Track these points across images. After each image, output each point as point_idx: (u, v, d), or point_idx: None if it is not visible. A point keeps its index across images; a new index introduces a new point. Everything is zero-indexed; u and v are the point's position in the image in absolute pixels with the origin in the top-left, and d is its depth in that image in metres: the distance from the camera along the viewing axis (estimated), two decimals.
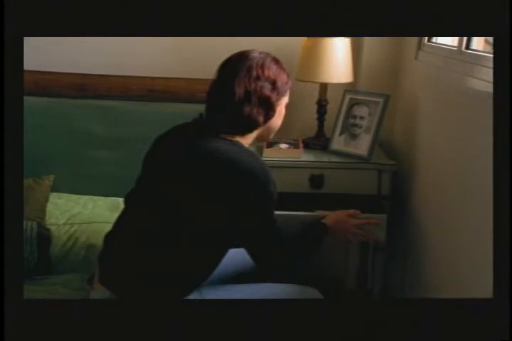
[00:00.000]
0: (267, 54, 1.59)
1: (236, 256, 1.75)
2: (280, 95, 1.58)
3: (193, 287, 1.58)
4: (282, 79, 1.58)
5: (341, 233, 1.76)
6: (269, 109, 1.56)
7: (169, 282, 1.53)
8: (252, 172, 1.48)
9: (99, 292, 1.56)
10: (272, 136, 1.69)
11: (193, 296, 1.56)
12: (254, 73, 1.53)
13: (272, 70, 1.56)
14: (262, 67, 1.54)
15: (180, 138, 1.60)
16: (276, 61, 1.59)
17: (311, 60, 2.30)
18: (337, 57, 2.28)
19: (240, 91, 1.51)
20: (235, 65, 1.54)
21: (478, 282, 1.55)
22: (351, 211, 1.80)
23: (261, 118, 1.55)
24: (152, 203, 1.55)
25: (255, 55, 1.56)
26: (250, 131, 1.58)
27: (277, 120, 1.63)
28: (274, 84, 1.55)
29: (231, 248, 1.63)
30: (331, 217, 1.77)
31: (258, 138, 1.64)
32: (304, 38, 2.31)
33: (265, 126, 1.59)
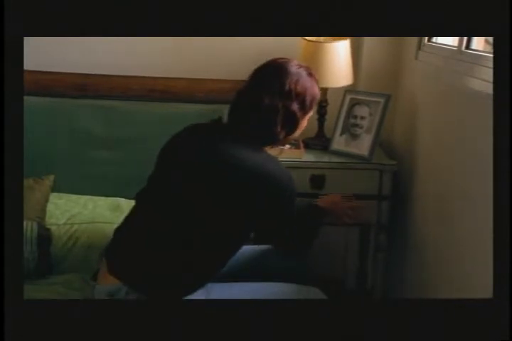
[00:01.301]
0: (305, 68, 1.60)
1: (242, 253, 1.76)
2: (306, 113, 1.60)
3: (201, 285, 1.58)
4: (313, 93, 1.59)
5: (336, 214, 1.81)
6: (292, 126, 1.58)
7: (177, 280, 1.53)
8: (273, 178, 1.49)
9: (106, 284, 1.55)
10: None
11: (199, 293, 1.56)
12: (287, 88, 1.53)
13: (304, 86, 1.56)
14: (296, 83, 1.55)
15: (198, 138, 1.60)
16: (310, 74, 1.61)
17: (312, 64, 2.27)
18: (337, 61, 2.27)
19: (267, 104, 1.52)
20: (270, 77, 1.55)
21: (478, 282, 1.55)
22: (343, 194, 1.88)
23: (282, 135, 1.57)
24: (165, 204, 1.55)
25: (293, 69, 1.56)
26: (270, 144, 1.60)
27: (298, 132, 1.65)
28: (303, 101, 1.56)
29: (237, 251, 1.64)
30: (325, 199, 1.82)
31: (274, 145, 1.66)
32: (304, 40, 2.30)
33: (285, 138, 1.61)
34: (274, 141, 1.59)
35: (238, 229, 1.54)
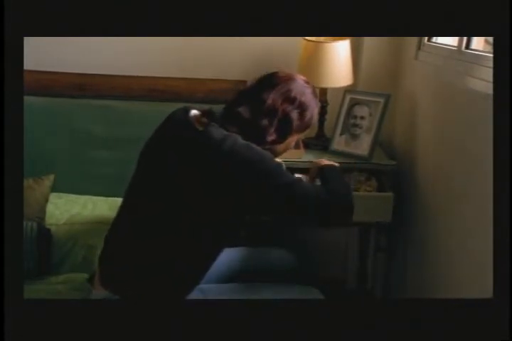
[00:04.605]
0: (311, 86, 1.61)
1: (233, 256, 1.76)
2: (301, 126, 1.58)
3: (193, 285, 1.57)
4: (312, 112, 1.59)
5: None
6: (282, 134, 1.55)
7: (169, 280, 1.52)
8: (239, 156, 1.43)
9: (100, 291, 1.55)
10: None
11: (195, 295, 1.56)
12: (292, 95, 1.54)
13: (308, 100, 1.57)
14: (302, 95, 1.55)
15: (183, 127, 1.55)
16: (315, 94, 1.62)
17: (312, 64, 2.29)
18: (337, 61, 2.27)
19: (269, 104, 1.51)
20: (278, 81, 1.55)
21: (478, 282, 1.55)
22: None
23: (268, 139, 1.53)
24: (149, 197, 1.52)
25: (301, 81, 1.58)
26: (256, 144, 1.52)
27: (281, 149, 1.62)
28: (303, 113, 1.56)
29: (227, 246, 1.62)
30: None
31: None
32: (304, 40, 2.30)
33: (267, 148, 1.54)
34: (261, 143, 1.52)
35: (225, 217, 1.49)
